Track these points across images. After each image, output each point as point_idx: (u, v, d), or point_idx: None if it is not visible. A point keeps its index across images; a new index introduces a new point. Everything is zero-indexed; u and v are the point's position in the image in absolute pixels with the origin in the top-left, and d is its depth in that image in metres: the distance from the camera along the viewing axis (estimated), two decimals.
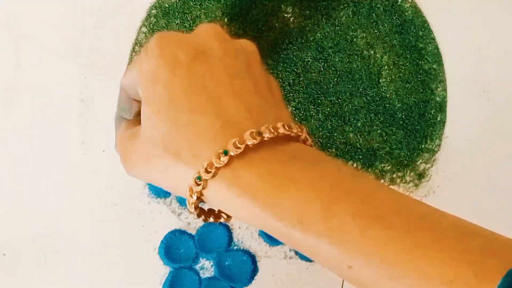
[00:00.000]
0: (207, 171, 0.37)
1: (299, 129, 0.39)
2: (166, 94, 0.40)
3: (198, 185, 0.38)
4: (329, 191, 0.36)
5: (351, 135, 0.57)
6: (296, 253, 0.55)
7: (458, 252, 0.34)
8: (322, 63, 0.57)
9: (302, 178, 0.37)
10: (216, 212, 0.42)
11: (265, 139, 0.38)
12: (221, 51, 0.41)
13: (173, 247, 0.55)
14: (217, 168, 0.37)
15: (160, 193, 0.56)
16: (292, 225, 0.36)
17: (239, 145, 0.37)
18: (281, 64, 0.57)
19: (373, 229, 0.35)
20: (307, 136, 0.40)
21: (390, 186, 0.56)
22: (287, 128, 0.39)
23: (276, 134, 0.38)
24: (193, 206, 0.40)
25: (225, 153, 0.37)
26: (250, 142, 0.37)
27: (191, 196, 0.39)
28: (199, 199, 0.39)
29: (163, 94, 0.40)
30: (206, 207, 0.41)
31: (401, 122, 0.57)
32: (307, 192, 0.36)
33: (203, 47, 0.41)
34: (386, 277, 0.35)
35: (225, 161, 0.37)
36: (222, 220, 0.42)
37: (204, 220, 0.42)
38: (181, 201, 0.56)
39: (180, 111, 0.39)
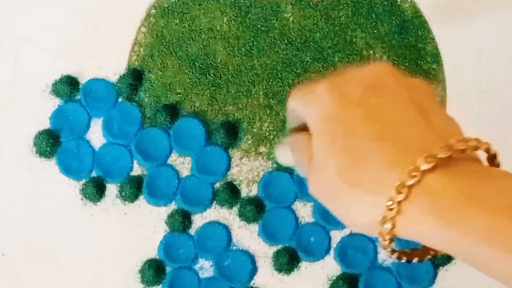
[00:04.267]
0: (399, 192, 0.35)
1: (486, 144, 0.38)
2: (340, 127, 0.38)
3: (391, 210, 0.36)
4: None
5: None
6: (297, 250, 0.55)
7: None
8: (322, 63, 0.57)
9: (490, 194, 0.35)
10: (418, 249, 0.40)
11: (454, 152, 0.36)
12: (394, 82, 0.40)
13: (172, 247, 0.55)
14: (410, 187, 0.35)
15: (159, 202, 0.56)
16: (480, 241, 0.35)
17: (429, 160, 0.35)
18: (281, 64, 0.57)
19: None
20: (495, 154, 0.39)
21: None
22: (475, 141, 0.37)
23: (466, 146, 0.36)
24: (389, 240, 0.37)
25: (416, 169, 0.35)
26: (441, 154, 0.35)
27: (384, 225, 0.36)
28: (393, 233, 0.37)
29: (336, 128, 0.38)
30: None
31: None
32: (495, 208, 0.35)
33: (374, 80, 0.40)
34: None
35: (417, 177, 0.35)
36: (428, 256, 0.40)
37: (408, 261, 0.40)
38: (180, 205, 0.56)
39: (356, 141, 0.37)
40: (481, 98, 0.57)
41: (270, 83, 0.57)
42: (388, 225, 0.36)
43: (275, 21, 0.58)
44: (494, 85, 0.57)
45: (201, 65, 0.57)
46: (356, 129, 0.38)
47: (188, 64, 0.57)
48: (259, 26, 0.58)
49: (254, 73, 0.57)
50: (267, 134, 0.57)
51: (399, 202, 0.35)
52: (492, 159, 0.39)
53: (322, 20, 0.58)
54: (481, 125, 0.57)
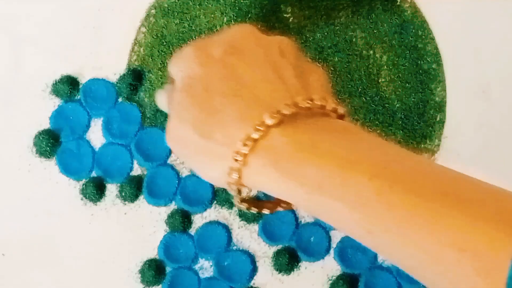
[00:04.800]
0: (245, 145, 0.38)
1: (335, 104, 0.40)
2: (198, 83, 0.41)
3: (237, 161, 0.38)
4: (350, 156, 0.37)
5: None
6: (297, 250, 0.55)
7: (474, 218, 0.33)
8: (321, 63, 0.57)
9: (325, 145, 0.37)
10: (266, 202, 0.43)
11: (300, 109, 0.38)
12: (253, 43, 0.42)
13: (172, 247, 0.55)
14: (255, 140, 0.38)
15: (159, 202, 0.56)
16: (313, 190, 0.37)
17: (274, 115, 0.38)
18: None
19: (389, 194, 0.35)
20: (344, 112, 0.41)
21: None
22: (322, 100, 0.39)
23: (310, 104, 0.39)
24: (236, 190, 0.40)
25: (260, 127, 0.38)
26: (285, 111, 0.38)
27: (231, 176, 0.39)
28: (240, 183, 0.39)
29: (195, 84, 0.41)
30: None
31: (400, 122, 0.57)
32: (327, 158, 0.37)
33: (235, 41, 0.43)
34: (401, 243, 0.34)
35: (262, 131, 0.38)
36: (280, 208, 0.43)
37: (258, 211, 0.43)
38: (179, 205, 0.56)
39: (212, 96, 0.40)
40: (481, 98, 0.57)
41: None
42: (234, 176, 0.39)
43: (275, 21, 0.58)
44: (494, 85, 0.57)
45: None
46: (213, 85, 0.41)
47: None
48: (259, 26, 0.57)
49: None
50: None
51: (245, 155, 0.38)
52: (341, 117, 0.41)
53: (322, 20, 0.58)
54: (481, 125, 0.57)
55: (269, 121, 0.38)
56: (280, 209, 0.43)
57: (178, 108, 0.42)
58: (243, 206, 0.42)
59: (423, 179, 0.36)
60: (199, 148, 0.41)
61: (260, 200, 0.43)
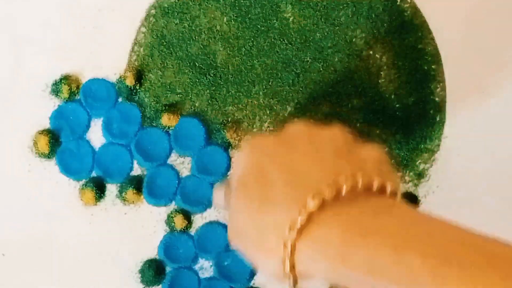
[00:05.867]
0: (291, 232, 0.37)
1: (383, 181, 0.39)
2: (253, 176, 0.41)
3: (286, 250, 0.37)
4: (399, 236, 0.36)
5: None
6: None
7: None
8: (321, 63, 0.57)
9: (373, 226, 0.37)
10: None
11: (343, 191, 0.38)
12: (307, 140, 0.42)
13: (172, 247, 0.55)
14: (301, 226, 0.37)
15: (159, 202, 0.56)
16: (364, 274, 0.36)
17: (317, 197, 0.37)
18: (280, 64, 0.57)
19: (444, 276, 0.34)
20: (394, 189, 0.39)
21: None
22: (367, 177, 0.38)
23: (353, 183, 0.38)
24: (293, 283, 0.39)
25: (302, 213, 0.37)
26: (328, 192, 0.37)
27: (284, 267, 0.38)
28: (294, 274, 0.38)
29: (250, 177, 0.41)
30: None
31: (400, 122, 0.57)
32: (376, 240, 0.36)
33: (289, 141, 0.42)
34: None
35: (306, 216, 0.37)
36: None
37: None
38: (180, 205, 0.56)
39: (263, 186, 0.40)
40: (480, 98, 0.57)
41: (270, 83, 0.57)
42: (287, 267, 0.38)
43: (275, 21, 0.58)
44: (494, 85, 0.57)
45: (201, 65, 0.57)
46: (264, 176, 0.40)
47: (188, 64, 0.57)
48: (259, 26, 0.58)
49: (254, 73, 0.57)
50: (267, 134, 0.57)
51: (293, 244, 0.37)
52: (393, 194, 0.40)
53: (322, 20, 0.58)
54: (481, 125, 0.57)
55: (312, 204, 0.37)
56: None
57: (235, 203, 0.42)
58: None
59: (473, 254, 0.35)
60: (255, 241, 0.40)
61: None
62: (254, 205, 0.40)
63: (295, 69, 0.57)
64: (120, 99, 0.57)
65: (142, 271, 0.54)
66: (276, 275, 0.40)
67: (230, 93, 0.57)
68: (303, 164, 0.40)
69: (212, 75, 0.57)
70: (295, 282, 0.39)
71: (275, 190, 0.39)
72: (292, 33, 0.58)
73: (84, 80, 0.57)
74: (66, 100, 0.56)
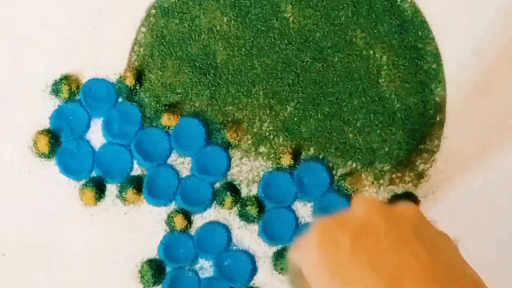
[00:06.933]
0: None
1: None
2: (330, 279, 0.39)
3: None
4: None
5: (350, 135, 0.57)
6: None
7: None
8: (321, 63, 0.57)
9: None
10: None
11: None
12: (384, 224, 0.40)
13: (172, 247, 0.55)
14: None
15: (159, 202, 0.56)
16: None
17: None
18: (280, 64, 0.57)
19: None
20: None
21: (389, 187, 0.56)
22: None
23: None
24: None
25: None
26: None
27: None
28: None
29: (327, 280, 0.39)
30: None
31: (400, 122, 0.57)
32: None
33: (363, 225, 0.40)
34: None
35: None
36: None
37: None
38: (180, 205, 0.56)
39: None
40: (481, 98, 0.57)
41: (270, 83, 0.57)
42: None
43: (275, 21, 0.58)
44: (494, 85, 0.57)
45: (201, 65, 0.57)
46: (346, 279, 0.38)
47: (188, 64, 0.57)
48: (259, 26, 0.58)
49: (254, 73, 0.57)
50: (267, 134, 0.57)
51: None
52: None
53: (322, 20, 0.58)
54: (481, 125, 0.57)
55: None
56: None
57: None
58: None
59: None
60: None
61: None
62: None
63: (295, 69, 0.57)
64: (120, 99, 0.57)
65: (142, 271, 0.54)
66: None
67: (230, 93, 0.57)
68: (386, 262, 0.38)
69: (212, 75, 0.57)
70: None
71: None
72: (292, 33, 0.58)
73: (84, 80, 0.57)
74: (66, 100, 0.56)
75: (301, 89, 0.57)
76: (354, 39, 0.58)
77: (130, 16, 0.57)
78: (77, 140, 0.56)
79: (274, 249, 0.55)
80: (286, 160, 0.56)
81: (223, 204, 0.55)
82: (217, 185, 0.56)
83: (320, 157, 0.57)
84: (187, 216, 0.55)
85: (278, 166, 0.56)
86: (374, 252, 0.39)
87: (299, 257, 0.42)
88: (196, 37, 0.57)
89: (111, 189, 0.56)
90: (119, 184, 0.56)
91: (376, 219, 0.40)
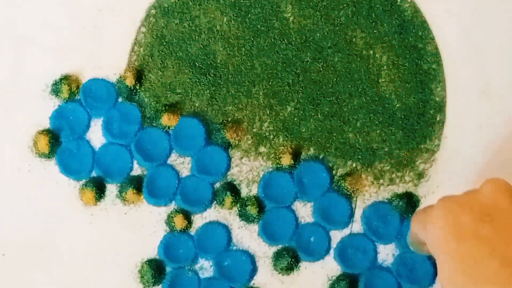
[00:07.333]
0: None
1: None
2: (455, 266, 0.39)
3: None
4: None
5: (350, 135, 0.57)
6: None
7: None
8: (321, 63, 0.57)
9: None
10: None
11: None
12: (508, 207, 0.40)
13: (172, 247, 0.55)
14: None
15: (159, 202, 0.56)
16: None
17: None
18: (280, 64, 0.57)
19: None
20: None
21: (389, 187, 0.56)
22: None
23: None
24: None
25: None
26: None
27: None
28: None
29: (452, 267, 0.39)
30: None
31: (400, 122, 0.57)
32: None
33: (488, 206, 0.40)
34: None
35: None
36: None
37: None
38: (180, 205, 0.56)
39: (472, 283, 0.38)
40: (481, 98, 0.57)
41: (270, 83, 0.57)
42: None
43: (275, 21, 0.58)
44: (494, 85, 0.57)
45: (201, 65, 0.57)
46: (470, 268, 0.38)
47: (188, 64, 0.57)
48: (259, 26, 0.58)
49: (254, 73, 0.57)
50: (267, 134, 0.57)
51: None
52: None
53: (322, 20, 0.58)
54: (481, 125, 0.57)
55: None
56: None
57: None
58: None
59: None
60: None
61: None
62: None
63: (295, 69, 0.57)
64: (120, 99, 0.57)
65: (142, 271, 0.54)
66: None
67: (230, 93, 0.57)
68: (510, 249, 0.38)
69: (212, 75, 0.57)
70: None
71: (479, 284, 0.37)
72: (292, 33, 0.58)
73: (84, 80, 0.57)
74: (66, 100, 0.56)
75: (301, 89, 0.57)
76: (354, 39, 0.58)
77: (130, 16, 0.57)
78: (77, 140, 0.56)
79: (274, 249, 0.55)
80: (286, 160, 0.56)
81: (223, 204, 0.55)
82: (217, 185, 0.56)
83: (320, 157, 0.57)
84: (187, 216, 0.55)
85: (278, 166, 0.56)
86: (499, 240, 0.38)
87: (422, 233, 0.42)
88: (196, 37, 0.57)
89: (111, 189, 0.56)
90: (119, 184, 0.56)
91: (501, 201, 0.40)
